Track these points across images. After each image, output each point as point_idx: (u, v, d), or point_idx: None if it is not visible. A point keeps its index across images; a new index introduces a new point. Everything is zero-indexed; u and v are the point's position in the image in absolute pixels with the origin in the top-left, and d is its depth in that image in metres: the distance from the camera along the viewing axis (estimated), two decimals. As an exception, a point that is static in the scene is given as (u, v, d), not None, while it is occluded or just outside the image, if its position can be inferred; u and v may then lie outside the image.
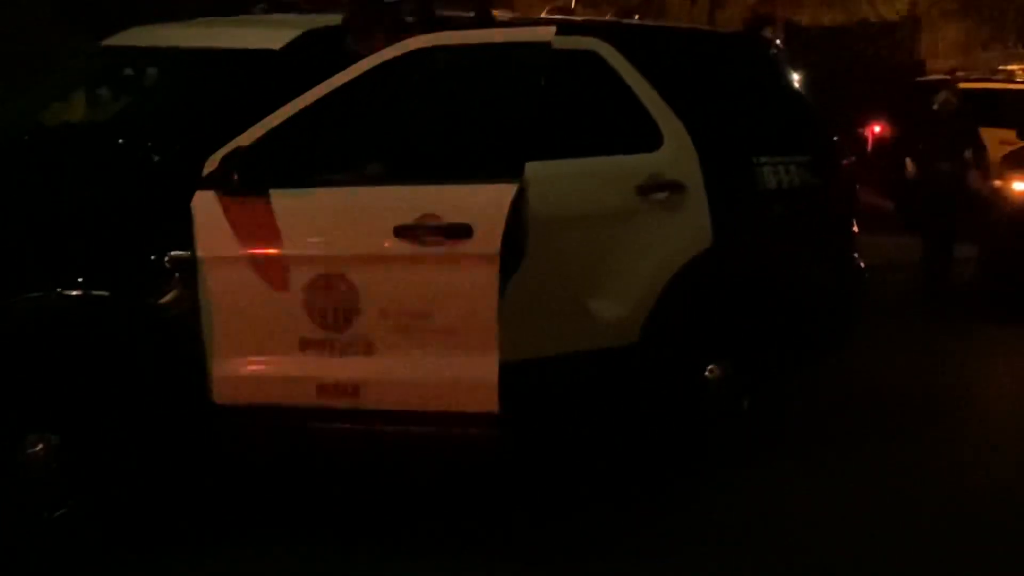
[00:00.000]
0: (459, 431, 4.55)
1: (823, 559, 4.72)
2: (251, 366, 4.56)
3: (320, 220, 4.55)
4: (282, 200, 4.51)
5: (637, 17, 8.40)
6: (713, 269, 5.53)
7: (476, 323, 4.44)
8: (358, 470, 5.21)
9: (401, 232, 4.48)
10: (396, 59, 4.67)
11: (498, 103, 4.65)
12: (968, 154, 9.89)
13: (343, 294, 4.49)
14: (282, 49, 4.95)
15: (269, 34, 5.11)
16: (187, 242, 4.46)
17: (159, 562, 4.43)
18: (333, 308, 4.50)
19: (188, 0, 7.83)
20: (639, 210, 5.35)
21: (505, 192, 4.43)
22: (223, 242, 4.49)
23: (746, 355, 5.72)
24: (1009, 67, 16.42)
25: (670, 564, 4.63)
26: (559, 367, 5.07)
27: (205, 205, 4.49)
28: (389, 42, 4.70)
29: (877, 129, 14.78)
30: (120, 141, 5.17)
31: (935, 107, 10.15)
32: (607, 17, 6.56)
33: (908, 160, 10.21)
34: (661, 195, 5.41)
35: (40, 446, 4.33)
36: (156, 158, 4.82)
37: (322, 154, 4.66)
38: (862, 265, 6.37)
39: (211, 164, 4.51)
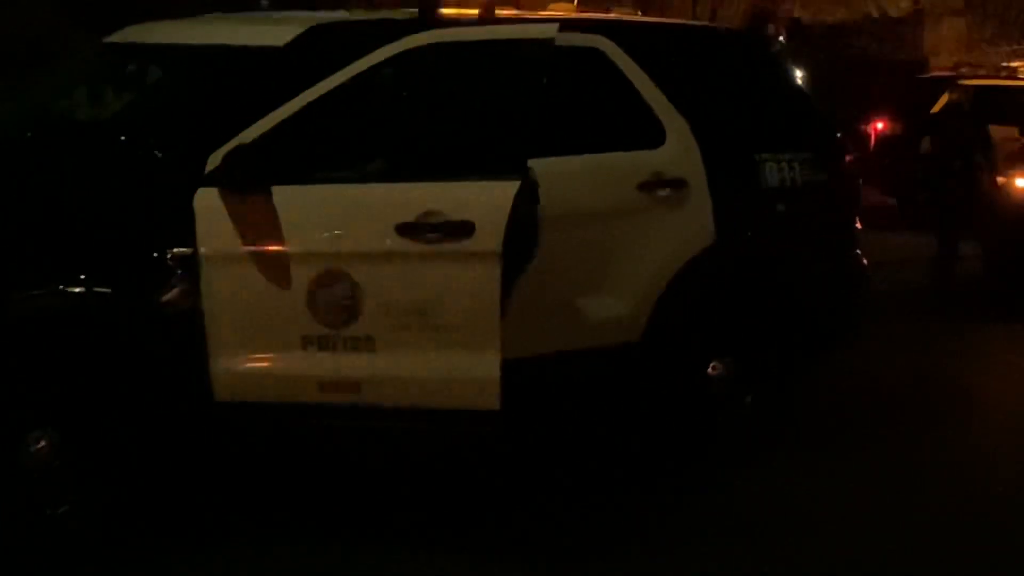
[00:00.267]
0: (461, 428, 4.55)
1: (825, 556, 4.71)
2: (253, 363, 4.55)
3: (322, 217, 4.55)
4: (284, 197, 4.51)
5: (640, 13, 8.40)
6: (716, 266, 5.53)
7: (478, 320, 4.43)
8: (359, 467, 5.21)
9: (403, 229, 4.48)
10: (399, 56, 4.67)
11: (501, 100, 4.65)
12: (978, 152, 9.90)
13: (345, 291, 4.49)
14: (285, 46, 4.95)
15: (272, 31, 5.11)
16: (189, 239, 4.46)
17: (159, 562, 4.43)
18: (335, 305, 4.50)
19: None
20: (642, 207, 5.35)
21: (508, 189, 4.43)
22: (225, 239, 4.49)
23: (749, 352, 5.71)
24: (1012, 64, 16.37)
25: (672, 561, 4.63)
26: (561, 365, 5.07)
27: (208, 202, 4.49)
28: None
29: (880, 126, 14.76)
30: (122, 138, 5.17)
31: (946, 103, 10.16)
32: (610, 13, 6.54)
33: (925, 139, 10.22)
34: (664, 192, 5.41)
35: (42, 443, 4.34)
36: (158, 155, 4.82)
37: (325, 151, 4.66)
38: (864, 262, 6.36)
39: (214, 161, 4.51)
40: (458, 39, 4.76)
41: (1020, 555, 4.82)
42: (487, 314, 4.42)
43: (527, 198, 4.53)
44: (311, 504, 4.98)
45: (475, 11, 5.10)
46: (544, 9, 6.22)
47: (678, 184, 5.44)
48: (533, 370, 4.83)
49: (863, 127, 14.73)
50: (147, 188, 4.60)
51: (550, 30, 4.63)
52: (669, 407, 5.51)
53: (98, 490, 4.45)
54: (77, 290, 4.34)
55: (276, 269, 4.52)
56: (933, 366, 7.60)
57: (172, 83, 5.63)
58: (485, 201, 4.45)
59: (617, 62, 5.44)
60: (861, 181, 6.76)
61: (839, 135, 6.45)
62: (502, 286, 4.42)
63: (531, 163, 4.52)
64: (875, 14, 22.99)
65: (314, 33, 5.02)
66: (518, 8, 5.73)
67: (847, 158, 6.39)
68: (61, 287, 4.32)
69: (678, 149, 5.49)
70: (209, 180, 4.51)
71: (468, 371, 4.47)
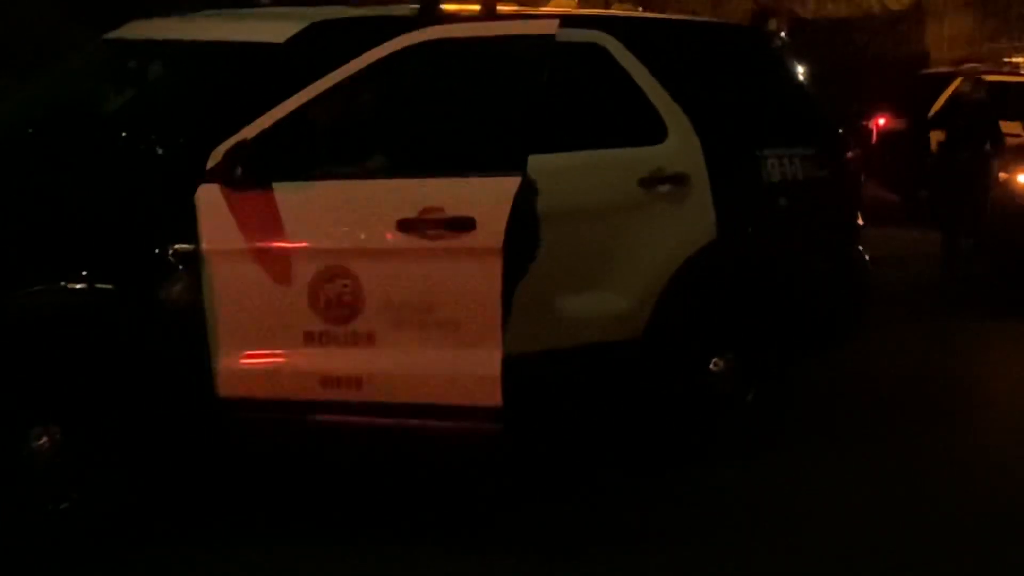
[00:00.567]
0: (462, 424, 4.54)
1: (828, 551, 4.71)
2: (254, 359, 4.55)
3: (323, 213, 4.55)
4: (285, 193, 4.51)
5: (641, 9, 8.39)
6: (717, 262, 5.52)
7: (479, 316, 4.43)
8: (358, 465, 5.21)
9: (404, 225, 4.48)
10: (400, 52, 4.66)
11: (502, 96, 4.64)
12: (988, 146, 9.91)
13: (346, 287, 4.49)
14: (286, 42, 4.94)
15: (273, 27, 5.11)
16: (191, 235, 4.46)
17: (160, 559, 4.43)
18: (336, 301, 4.50)
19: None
20: (643, 203, 5.34)
21: (509, 185, 4.43)
22: (227, 235, 4.49)
23: (751, 348, 5.71)
24: (1015, 59, 16.38)
25: (674, 556, 4.62)
26: (562, 361, 5.07)
27: (209, 198, 4.49)
28: None
29: (882, 121, 14.75)
30: (123, 135, 5.17)
31: (957, 96, 10.18)
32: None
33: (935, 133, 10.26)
34: (665, 188, 5.40)
35: (44, 439, 4.34)
36: (160, 151, 4.82)
37: (325, 147, 4.66)
38: (867, 258, 6.36)
39: (215, 157, 4.51)
40: (459, 35, 4.76)
41: (1021, 555, 4.81)
42: (488, 310, 4.41)
43: (527, 195, 4.52)
44: (311, 503, 4.97)
45: (476, 7, 5.10)
46: (545, 5, 6.22)
47: (679, 180, 5.44)
48: (534, 366, 4.83)
49: (865, 123, 14.73)
50: (149, 184, 4.60)
51: (551, 26, 4.62)
52: (670, 403, 5.51)
53: (100, 487, 4.45)
54: (79, 286, 4.34)
55: (277, 265, 4.51)
56: (935, 362, 7.60)
57: (173, 80, 5.62)
58: (486, 197, 4.45)
59: (619, 58, 5.44)
60: (863, 177, 6.76)
61: (841, 131, 6.45)
62: (503, 282, 4.42)
63: (533, 159, 4.51)
64: (877, 10, 22.98)
65: (315, 29, 5.02)
66: (519, 4, 5.73)
67: (849, 154, 6.38)
68: (63, 283, 4.33)
69: (680, 145, 5.49)
70: (210, 176, 4.51)
71: (469, 367, 4.46)
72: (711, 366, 5.65)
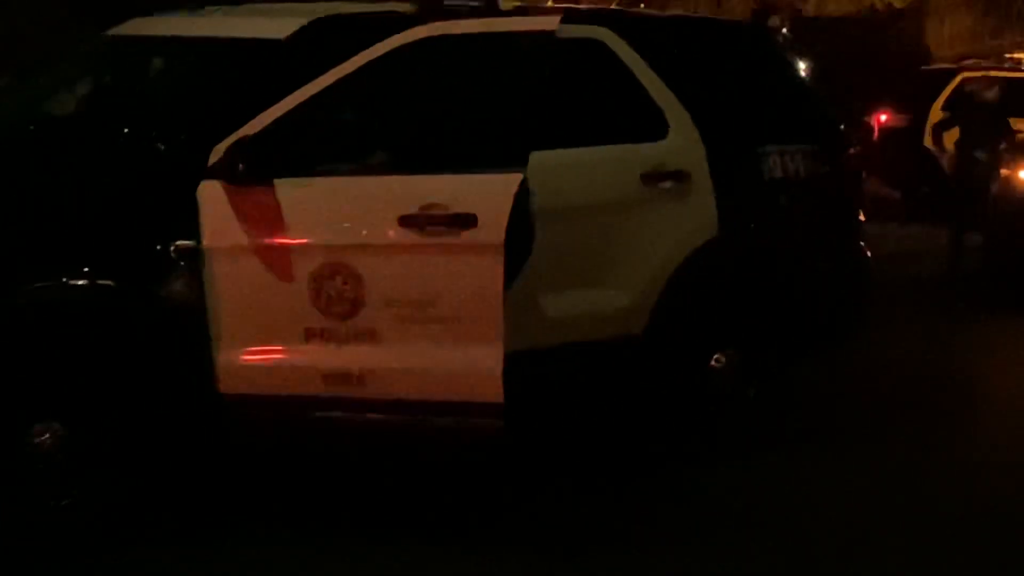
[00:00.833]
0: (464, 420, 4.55)
1: (828, 551, 4.70)
2: (256, 356, 4.56)
3: (325, 209, 4.55)
4: (287, 189, 4.51)
5: (642, 5, 8.39)
6: (719, 258, 5.52)
7: (481, 312, 4.43)
8: (359, 462, 5.21)
9: (406, 221, 4.48)
10: (401, 48, 4.66)
11: (503, 92, 4.64)
12: (1002, 143, 9.92)
13: (348, 283, 4.49)
14: (288, 39, 4.95)
15: (275, 23, 5.11)
16: (193, 232, 4.46)
17: (161, 556, 4.42)
18: (338, 297, 4.50)
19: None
20: (644, 199, 5.34)
21: (510, 181, 4.43)
22: (228, 232, 4.49)
23: (752, 345, 5.71)
24: (1016, 55, 16.37)
25: (675, 554, 4.62)
26: (563, 357, 5.07)
27: (210, 195, 4.49)
28: None
29: (883, 118, 14.75)
30: (125, 131, 5.17)
31: (966, 94, 10.20)
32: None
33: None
34: (666, 184, 5.40)
35: (46, 436, 4.35)
36: (161, 148, 4.82)
37: (327, 143, 4.66)
38: (868, 254, 6.36)
39: (216, 154, 4.51)
40: (460, 31, 4.75)
41: (1021, 555, 4.80)
42: (489, 306, 4.41)
43: (523, 192, 4.52)
44: (312, 502, 4.96)
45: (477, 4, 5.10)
46: (546, 1, 6.22)
47: (681, 176, 5.43)
48: (535, 363, 4.83)
49: (867, 119, 14.73)
50: (150, 181, 4.60)
51: (552, 22, 4.62)
52: (672, 400, 5.51)
53: (101, 483, 4.45)
54: (81, 283, 4.34)
55: (279, 261, 4.52)
56: (937, 359, 7.59)
57: (175, 76, 5.63)
58: (487, 193, 4.45)
59: (620, 54, 5.43)
60: (864, 173, 6.75)
61: (842, 127, 6.45)
62: (504, 278, 4.42)
63: (534, 155, 4.51)
64: (879, 6, 22.97)
65: (316, 26, 5.02)
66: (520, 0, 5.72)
67: (850, 150, 6.38)
68: (65, 280, 4.33)
69: (681, 141, 5.48)
70: (212, 173, 4.51)
71: (470, 363, 4.47)
72: (712, 363, 5.65)
